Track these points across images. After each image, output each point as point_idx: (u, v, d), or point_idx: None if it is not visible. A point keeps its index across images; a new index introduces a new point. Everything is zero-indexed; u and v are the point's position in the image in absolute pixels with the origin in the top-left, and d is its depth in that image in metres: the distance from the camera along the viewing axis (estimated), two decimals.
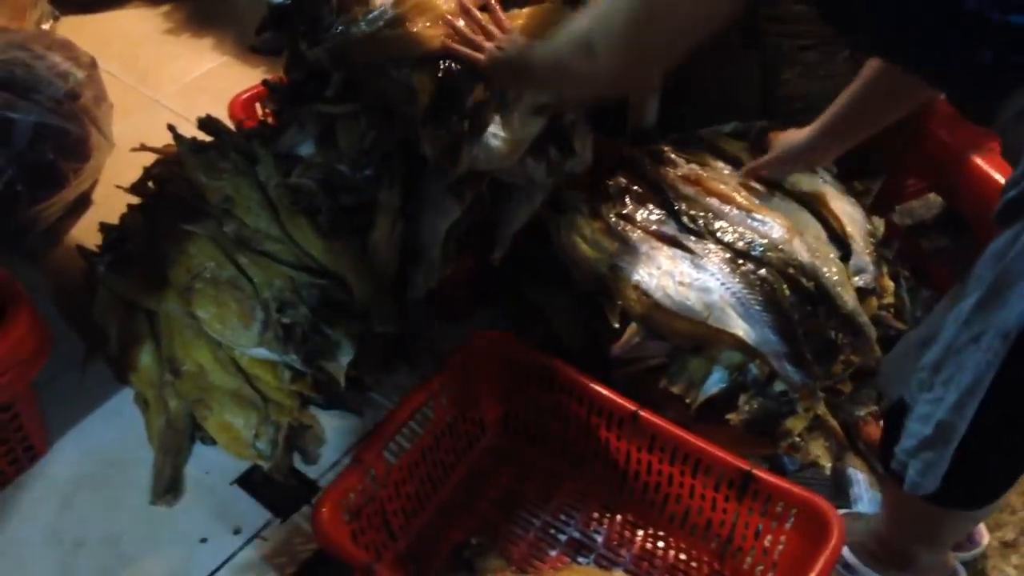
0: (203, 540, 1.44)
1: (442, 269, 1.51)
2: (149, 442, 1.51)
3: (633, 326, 1.45)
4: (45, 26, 2.24)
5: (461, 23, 1.40)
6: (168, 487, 1.47)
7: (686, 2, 1.05)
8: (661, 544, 1.44)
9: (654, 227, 1.51)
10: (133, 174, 1.72)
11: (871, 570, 1.34)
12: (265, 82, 1.76)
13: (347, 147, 1.50)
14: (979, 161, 1.58)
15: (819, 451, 1.47)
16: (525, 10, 1.47)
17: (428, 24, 1.42)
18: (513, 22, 1.43)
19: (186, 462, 1.49)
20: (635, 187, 1.56)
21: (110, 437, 1.55)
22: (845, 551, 1.35)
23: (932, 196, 1.93)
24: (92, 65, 1.90)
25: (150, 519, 1.44)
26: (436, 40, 1.41)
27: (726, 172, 1.60)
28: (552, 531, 1.45)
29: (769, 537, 1.35)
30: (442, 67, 1.41)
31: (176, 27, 2.49)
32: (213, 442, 1.50)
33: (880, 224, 1.60)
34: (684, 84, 1.78)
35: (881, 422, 1.55)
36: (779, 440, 1.44)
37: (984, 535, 1.40)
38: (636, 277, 1.45)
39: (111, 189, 1.79)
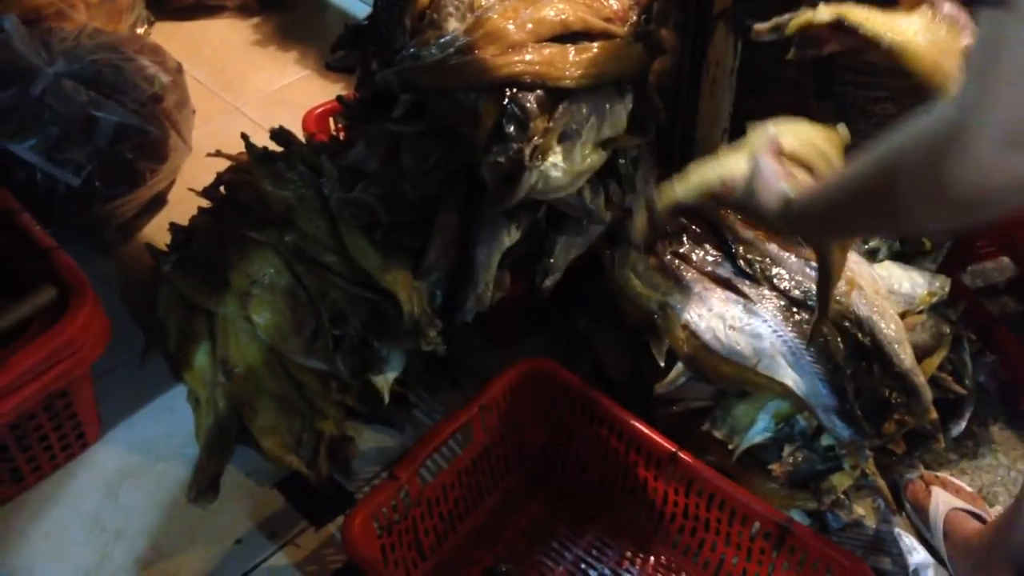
0: (238, 541, 1.46)
1: (493, 294, 1.51)
2: (196, 440, 1.55)
3: (679, 366, 1.43)
4: (140, 30, 2.33)
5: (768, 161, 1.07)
6: (207, 488, 1.49)
7: None
8: None
9: (709, 268, 1.49)
10: (208, 178, 1.77)
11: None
12: (339, 98, 1.80)
13: (410, 166, 1.52)
14: None
15: (864, 510, 1.43)
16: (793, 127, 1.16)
17: (497, 52, 1.43)
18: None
19: (227, 463, 1.52)
20: (693, 226, 1.55)
21: (159, 432, 1.59)
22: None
23: (1005, 260, 1.87)
24: (178, 70, 1.97)
25: (189, 516, 1.47)
26: (504, 68, 1.42)
27: None
28: (583, 566, 1.44)
29: None
30: (508, 94, 1.42)
31: (264, 39, 2.56)
32: (257, 445, 1.52)
33: (945, 283, 1.55)
34: (756, 120, 1.77)
35: (926, 484, 1.51)
36: (823, 496, 1.41)
37: None
38: (686, 317, 1.44)
39: (186, 191, 1.85)
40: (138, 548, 1.44)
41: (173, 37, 2.28)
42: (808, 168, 1.08)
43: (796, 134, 1.13)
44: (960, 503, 1.45)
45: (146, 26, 2.39)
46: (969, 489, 1.51)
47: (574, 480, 1.52)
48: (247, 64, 2.46)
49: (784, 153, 1.08)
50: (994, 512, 1.47)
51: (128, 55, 1.88)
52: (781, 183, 1.04)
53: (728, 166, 1.13)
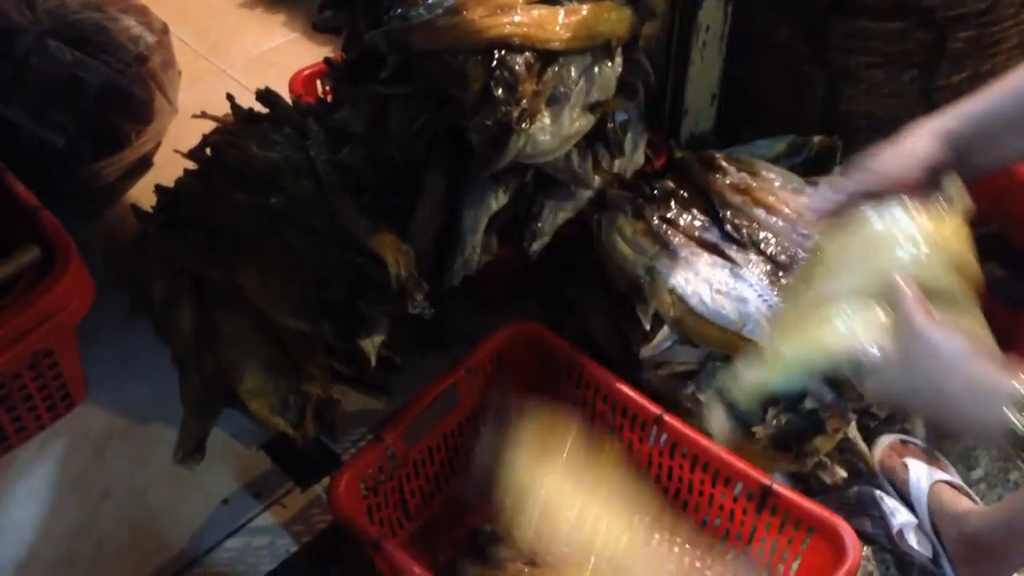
0: (224, 501, 1.47)
1: (480, 258, 1.51)
2: (182, 402, 1.55)
3: (665, 330, 1.44)
4: None
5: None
6: (193, 449, 1.50)
7: None
8: (677, 550, 1.42)
9: (696, 233, 1.49)
10: (193, 140, 1.75)
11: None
12: (327, 60, 1.78)
13: (397, 129, 1.51)
14: None
15: (845, 472, 1.45)
16: None
17: (486, 14, 1.42)
18: None
19: (213, 425, 1.52)
20: (682, 191, 1.55)
21: (145, 393, 1.59)
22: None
23: (992, 225, 1.87)
24: (164, 31, 1.95)
25: (175, 476, 1.46)
26: (492, 30, 1.41)
27: (777, 183, 1.58)
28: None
29: (785, 554, 1.33)
30: (496, 57, 1.41)
31: (251, 1, 2.54)
32: (243, 407, 1.53)
33: None
34: (745, 92, 1.77)
35: (911, 462, 1.52)
36: (805, 458, 1.42)
37: None
38: (673, 281, 1.44)
39: (172, 153, 1.83)
40: (125, 508, 1.45)
41: None
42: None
43: (933, 254, 0.82)
44: (940, 474, 1.46)
45: None
46: (941, 459, 1.52)
47: None
48: (234, 26, 2.44)
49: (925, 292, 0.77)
50: (973, 476, 1.49)
51: (113, 15, 1.85)
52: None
53: (854, 329, 0.77)
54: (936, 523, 1.43)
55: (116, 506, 1.45)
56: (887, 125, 1.71)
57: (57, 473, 1.48)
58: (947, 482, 1.45)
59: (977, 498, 1.46)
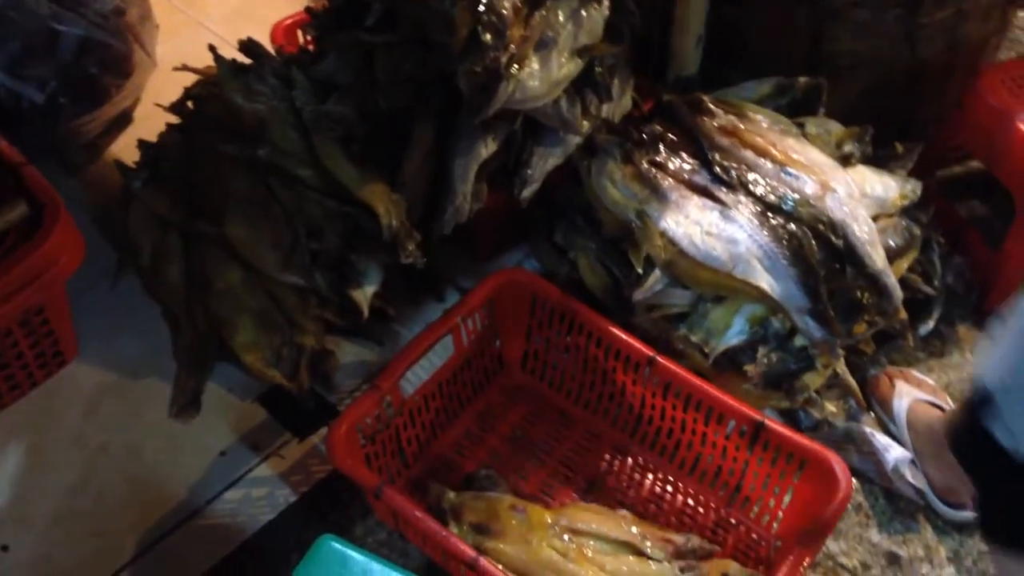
0: (222, 453, 1.48)
1: (471, 206, 1.51)
2: (175, 357, 1.55)
3: (657, 273, 1.45)
4: None
5: None
6: (188, 403, 1.50)
7: None
8: (670, 488, 1.45)
9: (686, 176, 1.50)
10: (174, 94, 1.73)
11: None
12: (308, 9, 1.76)
13: (384, 77, 1.50)
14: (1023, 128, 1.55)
15: (834, 408, 1.48)
16: None
17: None
18: None
19: (208, 379, 1.52)
20: (670, 135, 1.55)
21: (137, 349, 1.59)
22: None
23: (974, 163, 1.89)
24: None
25: (172, 430, 1.47)
26: None
27: (764, 124, 1.58)
28: (563, 470, 1.47)
29: (777, 488, 1.36)
30: (483, 1, 1.40)
31: None
32: (237, 361, 1.53)
33: (917, 187, 1.57)
34: (730, 33, 1.76)
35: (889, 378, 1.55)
36: (795, 395, 1.45)
37: None
38: (663, 224, 1.45)
39: (152, 108, 1.81)
40: (122, 462, 1.45)
41: None
42: None
43: None
44: (923, 395, 1.50)
45: None
46: (931, 383, 1.56)
47: (554, 388, 1.55)
48: None
49: None
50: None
51: None
52: None
53: None
54: (911, 435, 1.47)
55: (113, 461, 1.45)
56: (871, 64, 1.74)
57: (52, 430, 1.48)
58: (928, 401, 1.49)
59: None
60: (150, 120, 1.83)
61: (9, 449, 1.46)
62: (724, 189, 1.48)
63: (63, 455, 1.45)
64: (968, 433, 1.06)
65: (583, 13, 1.46)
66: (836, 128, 1.62)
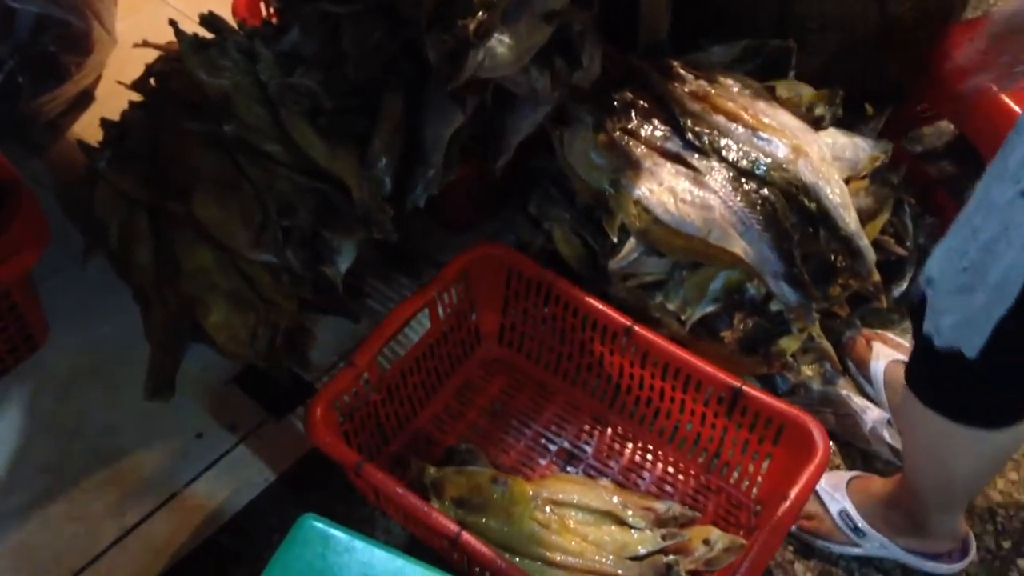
0: (199, 435, 1.47)
1: (443, 177, 1.50)
2: (146, 338, 1.53)
3: (632, 241, 1.45)
4: None
5: None
6: (163, 385, 1.49)
7: None
8: (650, 457, 1.46)
9: (658, 143, 1.49)
10: (135, 71, 1.69)
11: (881, 535, 1.34)
12: None
13: (351, 48, 1.47)
14: (993, 88, 1.55)
15: (810, 371, 1.49)
16: None
17: None
18: None
19: (182, 360, 1.50)
20: (641, 102, 1.54)
21: (108, 331, 1.57)
22: (855, 514, 1.36)
23: (943, 124, 1.90)
24: None
25: (147, 413, 1.46)
26: None
27: (735, 89, 1.57)
28: (543, 441, 1.47)
29: (755, 452, 1.37)
30: None
31: None
32: (211, 341, 1.51)
33: (888, 148, 1.58)
34: None
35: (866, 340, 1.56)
36: (772, 359, 1.45)
37: (972, 545, 1.37)
38: (637, 192, 1.44)
39: (113, 86, 1.77)
40: (98, 445, 1.44)
41: None
42: None
43: None
44: (899, 356, 1.51)
45: None
46: (908, 344, 1.57)
47: (532, 359, 1.55)
48: None
49: None
50: None
51: None
52: None
53: None
54: (888, 394, 1.49)
55: (88, 444, 1.44)
56: (839, 26, 1.73)
57: (25, 415, 1.46)
58: (903, 361, 1.50)
59: None
60: (112, 98, 1.80)
61: None
62: (697, 155, 1.47)
63: (37, 440, 1.44)
64: (918, 363, 1.09)
65: None
66: (807, 91, 1.62)
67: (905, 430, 1.27)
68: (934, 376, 1.07)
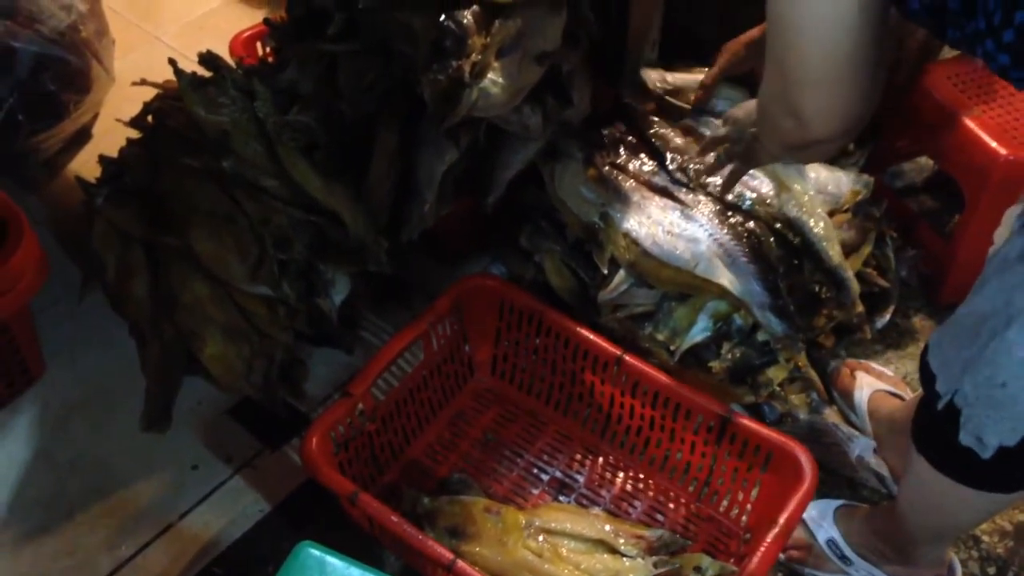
0: (195, 467, 1.48)
1: (436, 211, 1.53)
2: (142, 371, 1.54)
3: (622, 273, 1.48)
4: None
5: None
6: (159, 417, 1.50)
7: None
8: (641, 486, 1.48)
9: (646, 177, 1.53)
10: (133, 109, 1.72)
11: (868, 563, 1.36)
12: (266, 20, 1.76)
13: (347, 86, 1.51)
14: (970, 124, 1.60)
15: (798, 401, 1.51)
16: None
17: None
18: None
19: (178, 392, 1.52)
20: (629, 137, 1.58)
21: (104, 365, 1.58)
22: (842, 543, 1.38)
23: (923, 160, 1.95)
24: None
25: (143, 445, 1.47)
26: None
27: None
28: (535, 471, 1.49)
29: (744, 480, 1.39)
30: (444, 11, 1.42)
31: None
32: (207, 374, 1.53)
33: (869, 182, 1.62)
34: (684, 36, 1.80)
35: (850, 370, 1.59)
36: (759, 389, 1.48)
37: (957, 571, 1.39)
38: (626, 225, 1.48)
39: (111, 124, 1.80)
40: (93, 478, 1.45)
41: None
42: None
43: None
44: (883, 385, 1.55)
45: None
46: (891, 374, 1.60)
47: (524, 390, 1.57)
48: None
49: None
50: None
51: None
52: None
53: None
54: (873, 424, 1.52)
55: (84, 477, 1.45)
56: None
57: (21, 448, 1.47)
58: (888, 391, 1.53)
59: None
60: (109, 136, 1.82)
61: None
62: (683, 189, 1.51)
63: (33, 473, 1.45)
64: (941, 444, 1.10)
65: (542, 21, 1.48)
66: None
67: (906, 479, 1.28)
68: (969, 466, 1.07)
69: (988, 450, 1.02)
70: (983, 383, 1.00)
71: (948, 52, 1.92)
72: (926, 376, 1.09)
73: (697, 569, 1.30)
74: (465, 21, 1.41)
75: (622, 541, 1.33)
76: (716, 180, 1.53)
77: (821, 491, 1.50)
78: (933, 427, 1.10)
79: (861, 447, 1.49)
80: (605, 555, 1.32)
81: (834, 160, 1.65)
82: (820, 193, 1.56)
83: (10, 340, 1.44)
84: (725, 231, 1.46)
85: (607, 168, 1.53)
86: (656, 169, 1.54)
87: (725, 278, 1.44)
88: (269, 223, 1.52)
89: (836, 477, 1.52)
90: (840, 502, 1.46)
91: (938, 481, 1.12)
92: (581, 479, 1.48)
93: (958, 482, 1.11)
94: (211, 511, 1.43)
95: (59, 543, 1.38)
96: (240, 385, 1.50)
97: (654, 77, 1.66)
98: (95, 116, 1.95)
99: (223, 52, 1.81)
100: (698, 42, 1.81)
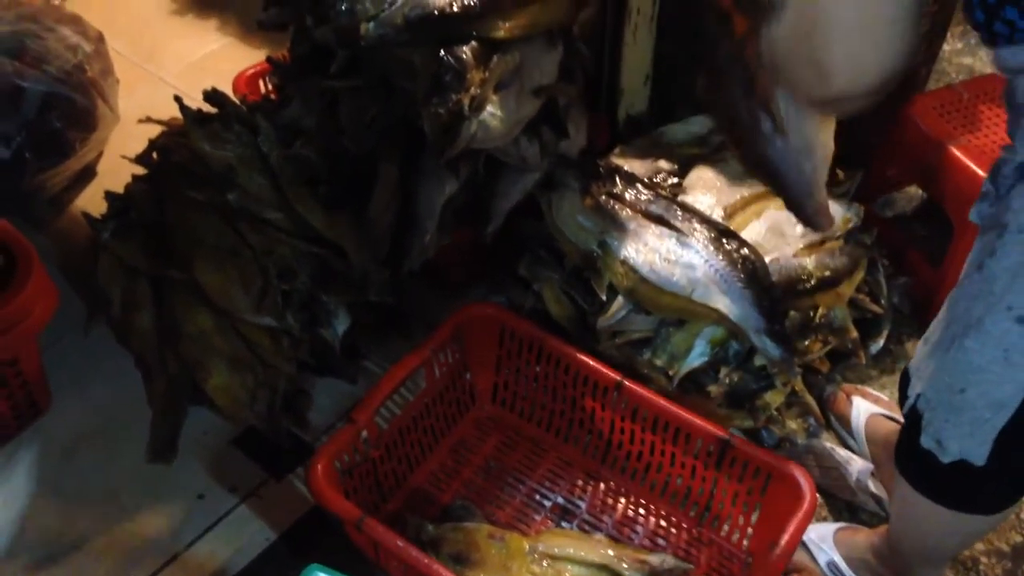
0: (200, 496, 1.49)
1: (437, 242, 1.56)
2: (148, 403, 1.56)
3: (620, 299, 1.50)
4: (55, 3, 2.28)
5: None
6: (165, 447, 1.52)
7: None
8: (642, 511, 1.49)
9: (642, 206, 1.56)
10: (137, 147, 1.76)
11: None
12: (269, 58, 1.81)
13: (349, 121, 1.55)
14: (956, 152, 1.64)
15: (795, 426, 1.53)
16: None
17: None
18: None
19: (183, 423, 1.54)
20: (625, 167, 1.62)
21: (110, 397, 1.60)
22: (843, 565, 1.39)
23: (912, 189, 1.99)
24: (100, 39, 1.95)
25: (149, 475, 1.49)
26: None
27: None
28: (537, 497, 1.51)
29: (745, 504, 1.41)
30: (444, 47, 1.45)
31: (182, 8, 2.53)
32: (212, 404, 1.55)
33: (859, 211, 1.66)
34: (677, 72, 1.84)
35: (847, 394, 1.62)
36: (757, 413, 1.50)
37: None
38: (624, 253, 1.51)
39: (116, 162, 1.83)
40: (100, 508, 1.46)
41: (88, 9, 2.22)
42: None
43: None
44: (879, 409, 1.57)
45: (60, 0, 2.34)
46: (886, 398, 1.63)
47: (525, 417, 1.59)
48: (167, 33, 2.44)
49: None
50: None
51: (49, 25, 1.85)
52: None
53: None
54: (870, 447, 1.54)
55: (92, 507, 1.46)
56: None
57: (29, 479, 1.48)
58: (884, 415, 1.56)
59: None
60: (113, 173, 1.85)
61: None
62: (679, 217, 1.54)
63: (41, 504, 1.46)
64: (906, 448, 1.13)
65: (539, 56, 1.53)
66: None
67: (894, 504, 1.31)
68: (931, 474, 1.10)
69: (947, 455, 1.05)
70: (944, 388, 1.03)
71: (932, 86, 1.97)
72: (903, 382, 1.12)
73: None
74: (464, 56, 1.44)
75: (625, 566, 1.34)
76: (709, 199, 1.57)
77: (821, 514, 1.52)
78: (903, 433, 1.13)
79: (859, 470, 1.51)
80: None
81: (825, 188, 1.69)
82: None
83: (18, 372, 1.46)
84: (720, 257, 1.49)
85: (603, 197, 1.57)
86: (652, 198, 1.57)
87: (721, 303, 1.46)
88: (273, 254, 1.55)
89: (836, 500, 1.54)
90: (840, 525, 1.47)
91: (919, 503, 1.14)
92: (583, 505, 1.50)
93: (920, 492, 1.13)
94: (217, 540, 1.44)
95: (67, 573, 1.39)
96: (245, 415, 1.52)
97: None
98: (100, 154, 2.00)
99: (226, 90, 1.85)
100: (689, 78, 1.86)
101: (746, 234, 1.54)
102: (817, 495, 1.34)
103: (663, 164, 1.68)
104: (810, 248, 1.56)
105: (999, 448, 1.01)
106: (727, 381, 1.50)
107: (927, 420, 1.06)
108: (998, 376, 0.97)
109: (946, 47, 2.16)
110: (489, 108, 1.46)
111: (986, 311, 0.96)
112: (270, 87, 1.89)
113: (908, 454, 1.13)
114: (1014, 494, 1.13)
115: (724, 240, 1.50)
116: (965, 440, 1.03)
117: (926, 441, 1.07)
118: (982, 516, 1.15)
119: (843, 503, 1.54)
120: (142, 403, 1.55)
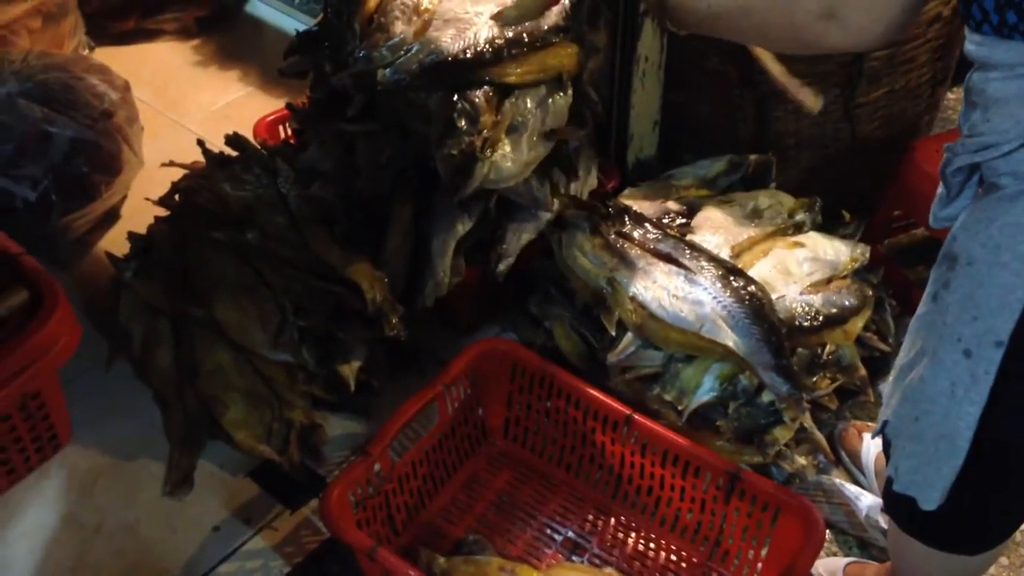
0: (216, 528, 1.51)
1: (450, 280, 1.59)
2: (167, 438, 1.59)
3: (629, 335, 1.53)
4: (83, 53, 2.37)
5: None
6: (182, 481, 1.54)
7: None
8: (652, 546, 1.50)
9: (651, 244, 1.60)
10: (159, 191, 1.81)
11: None
12: (289, 105, 1.87)
13: (365, 163, 1.60)
14: None
15: (805, 462, 1.55)
16: None
17: None
18: None
19: (200, 457, 1.56)
20: (634, 207, 1.66)
21: (129, 432, 1.63)
22: None
23: (918, 231, 2.02)
24: (126, 88, 2.02)
25: (165, 508, 1.51)
26: None
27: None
28: (548, 531, 1.52)
29: (754, 539, 1.41)
30: (457, 91, 1.51)
31: (205, 59, 2.61)
32: (228, 438, 1.58)
33: (866, 250, 1.68)
34: (684, 117, 1.89)
35: (857, 431, 1.63)
36: (766, 448, 1.51)
37: None
38: (633, 290, 1.54)
39: (139, 205, 1.89)
40: (117, 541, 1.48)
41: (115, 61, 2.30)
42: None
43: None
44: None
45: (87, 51, 2.42)
46: None
47: (536, 452, 1.61)
48: (190, 84, 2.51)
49: None
50: None
51: (77, 74, 1.92)
52: None
53: None
54: (879, 483, 1.54)
55: (109, 540, 1.48)
56: (814, 144, 1.87)
57: (48, 512, 1.51)
58: None
59: None
60: (136, 216, 1.91)
61: (5, 534, 1.48)
62: (687, 255, 1.57)
63: (59, 537, 1.48)
64: (890, 487, 1.12)
65: (549, 100, 1.58)
66: (787, 199, 1.74)
67: (890, 542, 1.31)
68: (912, 515, 1.09)
69: (899, 483, 1.05)
70: (904, 416, 1.04)
71: (937, 128, 2.01)
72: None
73: None
74: (477, 100, 1.50)
75: None
76: (716, 239, 1.60)
77: (831, 550, 1.53)
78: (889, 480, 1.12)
79: (869, 506, 1.52)
80: None
81: (832, 229, 1.73)
82: (818, 259, 1.63)
83: (40, 406, 1.50)
84: (728, 294, 1.52)
85: (613, 236, 1.60)
86: (661, 236, 1.61)
87: (730, 339, 1.49)
88: (290, 292, 1.59)
89: (846, 536, 1.54)
90: (850, 559, 1.48)
91: (911, 542, 1.15)
92: (594, 540, 1.51)
93: (904, 532, 1.13)
94: (232, 571, 1.46)
95: None
96: (260, 448, 1.55)
97: None
98: (124, 197, 2.06)
99: (247, 136, 1.91)
100: (696, 123, 1.91)
101: (753, 272, 1.57)
102: (826, 529, 1.35)
103: (671, 205, 1.72)
104: (816, 286, 1.59)
105: (952, 503, 1.01)
106: (736, 416, 1.51)
107: (893, 446, 1.07)
108: (944, 409, 0.98)
109: (950, 95, 2.20)
110: (501, 149, 1.51)
111: (939, 342, 0.98)
112: (289, 132, 1.95)
113: (892, 493, 1.12)
114: (999, 534, 1.13)
115: (732, 277, 1.53)
116: (916, 475, 1.03)
117: (890, 467, 1.07)
118: (960, 556, 1.15)
119: (853, 538, 1.54)
120: (160, 437, 1.58)
